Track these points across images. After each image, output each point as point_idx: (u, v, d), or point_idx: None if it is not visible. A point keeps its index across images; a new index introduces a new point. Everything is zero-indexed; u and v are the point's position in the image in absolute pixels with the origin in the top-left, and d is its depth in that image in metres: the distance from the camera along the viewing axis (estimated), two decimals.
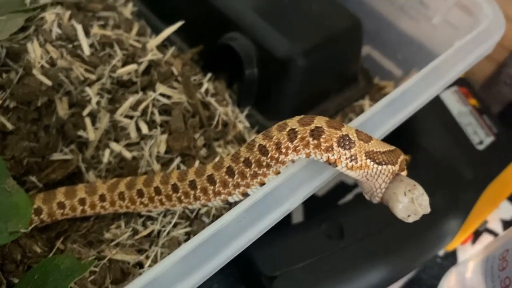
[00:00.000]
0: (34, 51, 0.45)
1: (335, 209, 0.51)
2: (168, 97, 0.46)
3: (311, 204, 0.55)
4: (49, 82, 0.44)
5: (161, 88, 0.46)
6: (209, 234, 0.28)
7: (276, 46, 0.49)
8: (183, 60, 0.50)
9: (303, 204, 0.55)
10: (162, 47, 0.51)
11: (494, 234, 0.56)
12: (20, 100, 0.43)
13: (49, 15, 0.47)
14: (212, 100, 0.47)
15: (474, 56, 0.44)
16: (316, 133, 0.32)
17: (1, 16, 0.44)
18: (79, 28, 0.47)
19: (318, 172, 0.33)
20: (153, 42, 0.49)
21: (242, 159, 0.35)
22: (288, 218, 0.54)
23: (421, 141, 0.56)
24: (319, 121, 0.33)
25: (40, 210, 0.41)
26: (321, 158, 0.32)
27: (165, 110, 0.46)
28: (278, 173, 0.34)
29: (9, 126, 0.43)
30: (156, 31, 0.55)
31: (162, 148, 0.45)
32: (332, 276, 0.45)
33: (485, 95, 0.66)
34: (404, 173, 0.35)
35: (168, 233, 0.41)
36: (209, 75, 0.51)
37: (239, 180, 0.35)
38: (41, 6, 0.48)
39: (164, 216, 0.42)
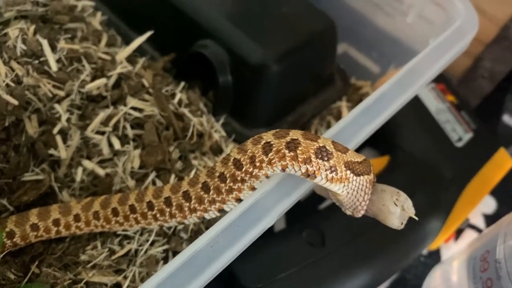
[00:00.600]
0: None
1: (316, 215, 0.51)
2: (140, 110, 0.45)
3: (293, 209, 0.54)
4: (15, 102, 0.42)
5: (132, 101, 0.45)
6: (180, 262, 0.27)
7: (249, 52, 0.48)
8: (154, 70, 0.49)
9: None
10: (133, 57, 0.49)
11: (477, 229, 0.56)
12: None
13: (12, 31, 0.45)
14: (185, 110, 0.46)
15: (450, 55, 0.44)
16: (293, 145, 0.32)
17: None
18: (44, 43, 0.45)
19: (293, 188, 0.33)
20: (122, 54, 0.47)
21: (217, 174, 0.34)
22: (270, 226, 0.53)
23: (399, 141, 0.55)
24: (295, 133, 0.33)
25: (12, 233, 0.40)
26: (299, 170, 0.31)
27: (137, 124, 0.45)
28: (253, 188, 0.33)
29: None
30: (127, 40, 0.53)
31: (136, 163, 0.44)
32: (316, 284, 0.45)
33: (464, 90, 0.66)
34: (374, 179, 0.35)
35: (146, 251, 0.40)
36: (182, 84, 0.50)
37: (215, 196, 0.35)
38: (3, 22, 0.46)
39: (141, 234, 0.41)
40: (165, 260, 0.40)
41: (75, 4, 0.53)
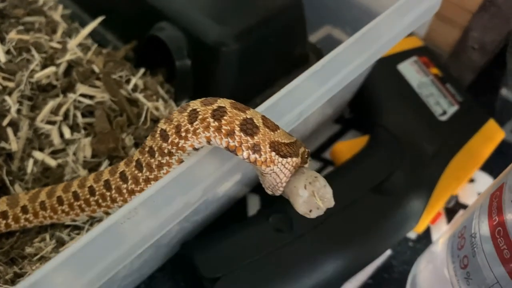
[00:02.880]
0: None
1: (285, 201, 0.47)
2: (91, 97, 0.44)
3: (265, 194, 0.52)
4: None
5: (81, 88, 0.43)
6: (96, 233, 0.25)
7: (205, 32, 0.46)
8: (112, 58, 0.47)
9: (259, 196, 0.52)
10: (87, 46, 0.48)
11: None
12: None
13: None
14: (140, 96, 0.45)
15: (413, 15, 0.40)
16: (218, 114, 0.29)
17: None
18: None
19: (222, 162, 0.30)
20: (74, 42, 0.46)
21: (147, 149, 0.32)
22: (244, 211, 0.50)
23: (379, 119, 0.52)
24: (223, 101, 0.30)
25: None
26: (221, 144, 0.29)
27: (90, 112, 0.44)
28: (181, 161, 0.31)
29: None
30: (92, 33, 0.52)
31: (88, 152, 0.42)
32: (282, 272, 0.42)
33: (455, 64, 0.62)
34: (307, 165, 0.32)
35: None
36: (142, 71, 0.49)
37: (148, 173, 0.32)
38: None
39: (91, 224, 0.40)
40: None
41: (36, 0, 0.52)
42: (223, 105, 0.29)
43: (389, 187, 0.46)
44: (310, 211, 0.30)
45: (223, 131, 0.28)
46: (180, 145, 0.30)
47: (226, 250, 0.42)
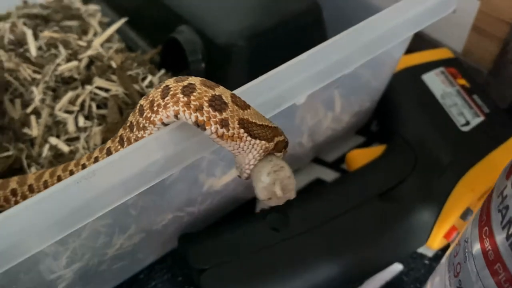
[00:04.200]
0: None
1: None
2: (107, 90, 0.46)
3: None
4: None
5: (98, 81, 0.46)
6: (47, 194, 0.27)
7: (218, 33, 0.47)
8: (132, 57, 0.50)
9: None
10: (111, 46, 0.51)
11: None
12: None
13: (4, 24, 0.50)
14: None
15: (415, 12, 0.39)
16: (188, 90, 0.29)
17: None
18: (28, 32, 0.49)
19: (182, 139, 0.30)
20: (98, 40, 0.50)
21: (128, 124, 0.33)
22: (252, 209, 0.50)
23: (397, 128, 0.50)
24: (194, 79, 0.31)
25: None
26: (190, 118, 0.29)
27: (105, 104, 0.46)
28: None
29: None
30: (126, 39, 0.56)
31: (98, 140, 0.45)
32: (272, 270, 0.41)
33: (496, 81, 0.58)
34: (280, 155, 0.31)
35: None
36: (162, 71, 0.51)
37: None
38: (3, 16, 0.51)
39: None
40: None
41: (77, 7, 0.57)
42: (193, 82, 0.30)
43: (397, 194, 0.44)
44: (269, 198, 0.30)
45: (192, 106, 0.29)
46: (151, 119, 0.31)
47: (218, 243, 0.42)
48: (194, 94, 0.29)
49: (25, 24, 0.50)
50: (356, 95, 0.51)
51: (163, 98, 0.30)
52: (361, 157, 0.50)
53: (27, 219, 0.26)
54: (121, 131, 0.34)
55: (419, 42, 0.63)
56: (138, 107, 0.32)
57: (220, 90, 0.30)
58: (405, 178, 0.45)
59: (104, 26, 0.57)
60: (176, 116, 0.30)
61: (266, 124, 0.31)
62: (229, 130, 0.29)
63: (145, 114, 0.31)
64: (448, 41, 0.63)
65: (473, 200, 0.44)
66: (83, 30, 0.52)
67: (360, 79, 0.50)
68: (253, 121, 0.30)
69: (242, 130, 0.29)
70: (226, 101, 0.29)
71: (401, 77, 0.53)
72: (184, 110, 0.29)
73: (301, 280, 0.41)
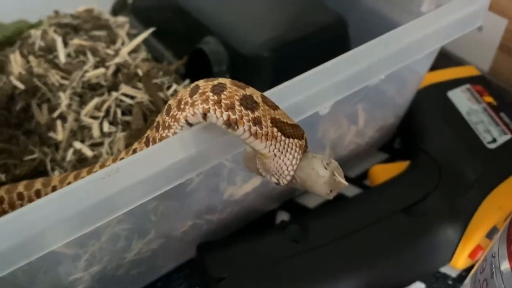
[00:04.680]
0: (16, 61, 0.49)
1: (307, 212, 0.46)
2: (132, 97, 0.47)
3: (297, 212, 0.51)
4: (21, 86, 0.47)
5: (124, 88, 0.47)
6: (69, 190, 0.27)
7: (243, 43, 0.48)
8: (158, 66, 0.50)
9: (289, 213, 0.51)
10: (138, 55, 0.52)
11: None
12: None
13: (35, 31, 0.51)
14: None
15: (441, 25, 0.39)
16: (218, 89, 0.29)
17: None
18: (58, 39, 0.50)
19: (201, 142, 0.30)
20: (125, 49, 0.50)
21: (155, 125, 0.33)
22: (272, 220, 0.50)
23: (422, 144, 0.49)
24: (224, 80, 0.31)
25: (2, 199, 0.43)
26: (221, 116, 0.28)
27: (130, 111, 0.47)
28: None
29: None
30: (153, 50, 0.57)
31: (121, 145, 0.45)
32: (290, 282, 0.40)
33: None
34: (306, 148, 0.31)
35: None
36: (187, 81, 0.52)
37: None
38: (33, 25, 0.52)
39: None
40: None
41: (106, 18, 0.58)
42: (223, 82, 0.30)
43: (421, 210, 0.43)
44: (331, 191, 0.30)
45: (223, 104, 0.28)
46: (177, 116, 0.31)
47: (237, 253, 0.42)
48: (225, 93, 0.29)
49: (55, 32, 0.51)
50: (380, 110, 0.51)
51: (191, 96, 0.30)
52: (384, 172, 0.49)
53: (49, 213, 0.26)
54: (148, 132, 0.34)
55: (445, 60, 0.63)
56: (166, 107, 0.32)
57: (251, 90, 0.30)
58: (429, 193, 0.44)
59: (132, 37, 0.58)
60: (204, 114, 0.29)
61: (294, 123, 0.31)
62: (262, 128, 0.29)
63: (171, 112, 0.31)
64: (474, 60, 0.62)
65: (500, 218, 0.42)
66: (111, 40, 0.53)
67: (385, 94, 0.50)
68: (285, 120, 0.30)
69: (275, 129, 0.29)
70: (257, 101, 0.29)
71: (426, 93, 0.52)
72: (215, 109, 0.28)
73: None
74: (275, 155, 0.30)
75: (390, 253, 0.42)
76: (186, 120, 0.30)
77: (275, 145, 0.29)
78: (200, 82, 0.30)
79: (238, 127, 0.28)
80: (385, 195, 0.45)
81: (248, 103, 0.29)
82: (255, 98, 0.29)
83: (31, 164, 0.45)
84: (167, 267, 0.45)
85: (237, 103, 0.29)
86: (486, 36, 0.59)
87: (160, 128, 0.32)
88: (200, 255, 0.43)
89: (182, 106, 0.30)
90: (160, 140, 0.32)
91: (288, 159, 0.30)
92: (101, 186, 0.27)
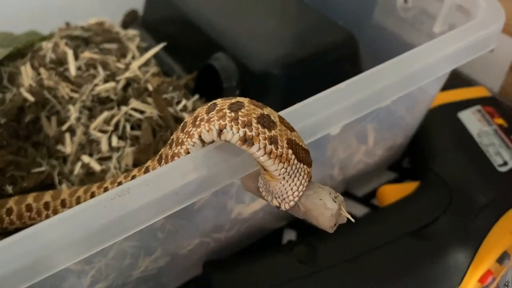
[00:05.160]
0: (27, 73, 0.49)
1: (315, 232, 0.45)
2: (141, 112, 0.47)
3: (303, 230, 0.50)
4: (31, 98, 0.47)
5: (133, 103, 0.46)
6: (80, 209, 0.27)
7: (253, 61, 0.48)
8: (167, 81, 0.50)
9: (296, 231, 0.50)
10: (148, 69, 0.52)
11: None
12: (6, 115, 0.46)
13: (47, 44, 0.51)
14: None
15: (456, 47, 0.39)
16: (236, 107, 0.29)
17: None
18: (69, 52, 0.50)
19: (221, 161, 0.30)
20: (136, 63, 0.50)
21: (169, 142, 0.33)
22: (279, 239, 0.49)
23: (431, 165, 0.49)
24: (242, 98, 0.30)
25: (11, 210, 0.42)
26: (237, 133, 0.28)
27: (139, 126, 0.47)
28: (187, 153, 0.31)
29: None
30: (162, 64, 0.57)
31: (129, 160, 0.45)
32: None
33: None
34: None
35: None
36: (196, 96, 0.51)
37: (164, 165, 0.33)
38: (45, 37, 0.53)
39: None
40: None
41: (117, 31, 0.58)
42: (241, 101, 0.30)
43: (430, 233, 0.43)
44: (335, 225, 0.29)
45: (240, 121, 0.28)
46: (191, 132, 0.30)
47: (244, 273, 0.41)
48: (242, 110, 0.28)
49: (66, 44, 0.51)
50: (390, 130, 0.51)
51: (207, 113, 0.30)
52: (393, 192, 0.49)
53: (59, 233, 0.26)
54: (162, 150, 0.34)
55: (455, 80, 0.63)
56: (182, 124, 0.32)
57: (268, 110, 0.30)
58: (439, 216, 0.43)
59: (142, 50, 0.58)
60: (219, 131, 0.28)
61: (307, 148, 0.30)
62: (277, 148, 0.28)
63: (186, 129, 0.31)
64: (485, 81, 0.62)
65: (511, 243, 0.42)
66: (122, 53, 0.53)
67: (395, 114, 0.50)
68: (300, 143, 0.30)
69: (290, 151, 0.28)
70: (275, 121, 0.29)
71: (436, 113, 0.52)
72: (232, 125, 0.28)
73: None
74: (284, 177, 0.29)
75: (398, 277, 0.41)
76: (200, 136, 0.30)
77: (286, 168, 0.29)
78: (218, 100, 0.30)
79: (253, 144, 0.28)
80: (394, 217, 0.45)
81: (266, 122, 0.28)
82: (272, 117, 0.29)
83: (39, 176, 0.45)
84: (172, 285, 0.45)
85: (254, 120, 0.28)
86: (497, 57, 0.58)
87: (174, 145, 0.32)
88: (206, 273, 0.42)
89: (197, 123, 0.30)
90: (172, 156, 0.32)
91: (296, 184, 0.29)
92: (111, 207, 0.27)
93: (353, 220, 0.29)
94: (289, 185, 0.29)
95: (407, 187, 0.49)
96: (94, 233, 0.27)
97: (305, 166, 0.29)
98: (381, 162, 0.54)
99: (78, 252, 0.27)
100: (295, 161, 0.29)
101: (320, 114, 0.33)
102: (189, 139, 0.30)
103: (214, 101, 0.30)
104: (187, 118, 0.32)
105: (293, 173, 0.29)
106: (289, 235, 0.50)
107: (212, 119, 0.29)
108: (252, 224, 0.45)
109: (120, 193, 0.28)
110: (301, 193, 0.29)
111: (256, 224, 0.46)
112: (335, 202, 0.29)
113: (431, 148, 0.50)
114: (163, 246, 0.39)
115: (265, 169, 0.29)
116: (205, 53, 0.52)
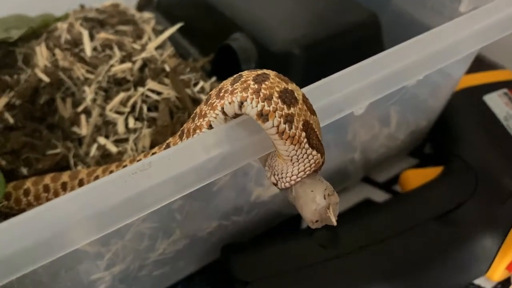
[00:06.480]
0: (42, 53, 0.48)
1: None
2: (158, 93, 0.46)
3: None
4: (46, 79, 0.46)
5: (150, 83, 0.45)
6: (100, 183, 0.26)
7: (273, 41, 0.46)
8: (184, 63, 0.49)
9: None
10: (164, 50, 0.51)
11: None
12: (21, 96, 0.46)
13: (61, 24, 0.50)
14: (204, 96, 0.46)
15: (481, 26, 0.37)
16: (261, 78, 0.28)
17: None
18: (85, 33, 0.49)
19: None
20: (152, 44, 0.49)
21: (192, 116, 0.32)
22: (297, 225, 0.48)
23: (457, 149, 0.47)
24: (269, 71, 0.29)
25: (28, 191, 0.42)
26: (256, 107, 0.27)
27: (155, 107, 0.46)
28: (210, 126, 0.30)
29: (11, 120, 0.46)
30: (178, 47, 0.56)
31: (147, 142, 0.44)
32: None
33: None
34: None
35: None
36: (213, 78, 0.50)
37: (185, 139, 0.32)
38: (60, 18, 0.52)
39: None
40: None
41: (132, 13, 0.57)
42: (268, 73, 0.28)
43: (456, 218, 0.41)
44: (316, 221, 0.28)
45: (261, 94, 0.27)
46: (214, 104, 0.29)
47: (263, 256, 0.40)
48: (266, 83, 0.27)
49: (81, 25, 0.50)
50: (413, 114, 0.49)
51: (232, 84, 0.29)
52: (416, 177, 0.47)
53: (77, 208, 0.25)
54: (184, 125, 0.33)
55: (480, 65, 0.61)
56: (206, 97, 0.31)
57: (294, 87, 0.28)
58: (465, 202, 0.42)
59: (158, 33, 0.57)
60: (241, 103, 0.28)
61: (321, 139, 0.29)
62: (291, 128, 0.27)
63: (210, 101, 0.30)
64: (509, 65, 0.60)
65: None
66: (138, 35, 0.52)
67: (418, 98, 0.48)
68: (315, 129, 0.28)
69: (304, 134, 0.27)
70: (297, 98, 0.28)
71: (461, 97, 0.50)
72: (252, 98, 0.27)
73: None
74: (291, 159, 0.28)
75: (422, 263, 0.40)
76: (222, 109, 0.29)
77: (296, 151, 0.27)
78: (245, 72, 0.29)
79: (267, 120, 0.27)
80: (418, 202, 0.44)
81: (287, 98, 0.27)
82: (296, 94, 0.28)
83: (54, 158, 0.44)
84: (189, 268, 0.44)
85: (276, 94, 0.27)
86: None
87: (196, 118, 0.31)
88: (224, 257, 0.41)
89: (221, 94, 0.29)
90: (194, 130, 0.31)
91: (299, 166, 0.28)
92: (132, 182, 0.26)
93: (335, 223, 0.28)
94: (290, 167, 0.28)
95: (431, 172, 0.47)
96: (114, 209, 0.25)
97: (315, 153, 0.28)
98: (403, 147, 0.52)
99: (97, 228, 0.26)
100: (306, 145, 0.28)
101: (345, 90, 0.32)
102: (211, 111, 0.29)
103: (240, 73, 0.29)
104: (213, 91, 0.30)
105: (301, 156, 0.28)
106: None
107: (235, 91, 0.28)
108: (271, 208, 0.44)
109: (141, 168, 0.26)
110: (299, 178, 0.28)
111: (275, 209, 0.45)
112: (325, 199, 0.27)
113: (456, 132, 0.49)
114: (182, 228, 0.38)
115: (275, 146, 0.28)
116: (222, 35, 0.51)
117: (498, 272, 0.41)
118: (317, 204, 0.27)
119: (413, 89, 0.44)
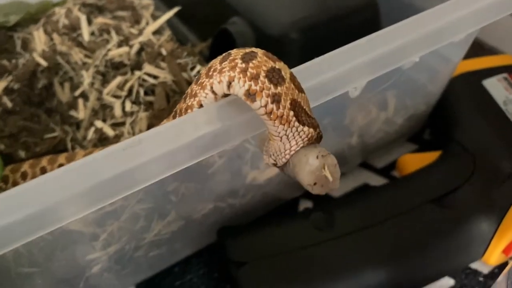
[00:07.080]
0: (40, 38, 0.48)
1: (332, 201, 0.44)
2: (155, 77, 0.46)
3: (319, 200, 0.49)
4: (44, 63, 0.46)
5: (147, 67, 0.45)
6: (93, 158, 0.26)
7: (270, 24, 0.46)
8: (181, 47, 0.49)
9: (312, 201, 0.49)
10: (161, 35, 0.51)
11: None
12: (19, 80, 0.46)
13: (59, 9, 0.50)
14: None
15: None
16: (248, 57, 0.28)
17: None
18: (82, 17, 0.49)
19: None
20: (149, 28, 0.49)
21: (184, 96, 0.32)
22: (294, 208, 0.48)
23: (454, 134, 0.47)
24: (257, 49, 0.29)
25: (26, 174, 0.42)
26: (243, 86, 0.27)
27: (152, 91, 0.46)
28: (200, 105, 0.30)
29: (9, 104, 0.46)
30: (176, 32, 0.56)
31: (143, 125, 0.44)
32: (314, 270, 0.38)
33: None
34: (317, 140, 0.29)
35: None
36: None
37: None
38: (58, 3, 0.52)
39: None
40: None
41: (132, 0, 0.57)
42: (255, 51, 0.28)
43: (453, 201, 0.41)
44: (315, 184, 0.28)
45: (248, 73, 0.27)
46: (204, 84, 0.29)
47: (259, 238, 0.40)
48: (254, 61, 0.27)
49: (80, 10, 0.50)
50: (411, 98, 0.49)
51: (221, 63, 0.29)
52: (414, 161, 0.47)
53: (68, 183, 0.25)
54: (177, 106, 0.33)
55: (479, 50, 0.60)
56: (196, 76, 0.31)
57: (281, 65, 0.28)
58: (462, 184, 0.42)
59: (156, 19, 0.57)
60: (229, 83, 0.28)
61: (312, 115, 0.29)
62: (279, 108, 0.27)
63: (200, 80, 0.30)
64: (508, 50, 0.60)
65: None
66: (136, 20, 0.52)
67: (416, 82, 0.48)
68: (304, 107, 0.28)
69: (292, 113, 0.27)
70: (284, 77, 0.28)
71: (460, 81, 0.50)
72: (240, 78, 0.27)
73: (342, 284, 0.38)
74: (281, 138, 0.28)
75: (418, 246, 0.40)
76: (212, 88, 0.29)
77: (285, 130, 0.28)
78: (234, 50, 0.29)
79: (255, 100, 0.27)
80: (415, 185, 0.44)
81: (274, 77, 0.27)
82: (283, 73, 0.28)
83: (52, 142, 0.45)
84: (186, 251, 0.44)
85: (263, 74, 0.27)
86: None
87: (188, 98, 0.31)
88: (220, 239, 0.41)
89: (210, 73, 0.29)
90: (186, 109, 0.31)
91: (291, 143, 0.28)
92: (123, 158, 0.26)
93: (331, 179, 0.27)
94: (285, 144, 0.28)
95: (429, 156, 0.47)
96: (104, 184, 0.26)
97: (306, 128, 0.28)
98: (401, 131, 0.52)
99: (87, 203, 0.26)
100: (296, 123, 0.28)
101: (338, 69, 0.32)
102: (201, 91, 0.29)
103: (229, 51, 0.29)
104: (203, 69, 0.31)
105: (293, 135, 0.28)
106: (305, 204, 0.49)
107: (223, 70, 0.28)
108: (267, 192, 0.44)
109: (132, 144, 0.27)
110: (292, 151, 0.28)
111: (271, 192, 0.45)
112: (317, 159, 0.27)
113: (455, 116, 0.49)
114: (177, 210, 0.38)
115: (266, 126, 0.28)
116: (220, 20, 0.51)
117: (494, 256, 0.41)
118: (310, 165, 0.27)
119: (410, 73, 0.44)
